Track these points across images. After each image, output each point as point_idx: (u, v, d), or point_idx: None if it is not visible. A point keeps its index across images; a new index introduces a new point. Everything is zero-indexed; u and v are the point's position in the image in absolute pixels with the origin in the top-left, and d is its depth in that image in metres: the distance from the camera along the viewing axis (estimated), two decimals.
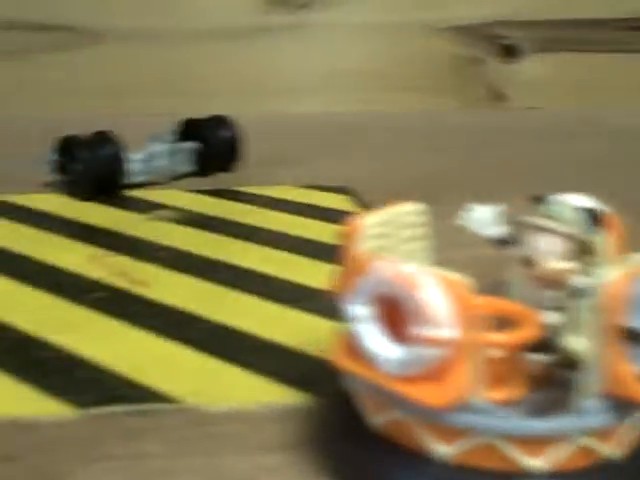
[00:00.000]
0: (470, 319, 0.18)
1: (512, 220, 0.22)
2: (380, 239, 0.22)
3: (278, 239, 0.41)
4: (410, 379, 0.19)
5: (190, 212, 0.46)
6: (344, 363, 0.20)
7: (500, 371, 0.19)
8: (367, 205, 0.46)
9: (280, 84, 0.79)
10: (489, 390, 0.19)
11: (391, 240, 0.23)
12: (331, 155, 0.61)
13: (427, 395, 0.18)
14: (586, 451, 0.19)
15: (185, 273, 0.36)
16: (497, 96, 0.82)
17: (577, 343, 0.19)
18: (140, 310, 0.33)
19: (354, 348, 0.20)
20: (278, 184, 0.51)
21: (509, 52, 0.82)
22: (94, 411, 0.25)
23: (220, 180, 0.53)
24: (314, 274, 0.36)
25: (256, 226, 0.43)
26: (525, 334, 0.19)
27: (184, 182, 0.53)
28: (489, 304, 0.19)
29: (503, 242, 0.22)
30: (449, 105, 0.82)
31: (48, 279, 0.36)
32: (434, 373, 0.18)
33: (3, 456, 0.23)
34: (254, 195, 0.49)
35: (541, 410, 0.20)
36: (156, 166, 0.51)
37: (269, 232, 0.42)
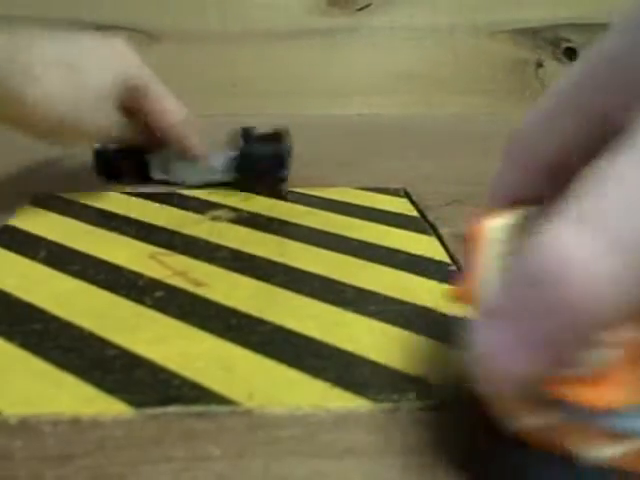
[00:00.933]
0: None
1: None
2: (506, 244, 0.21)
3: (337, 241, 0.40)
4: (575, 380, 0.18)
5: (247, 212, 0.45)
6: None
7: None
8: (425, 209, 0.46)
9: (336, 85, 0.79)
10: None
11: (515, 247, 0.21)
12: (386, 157, 0.61)
13: (593, 397, 0.18)
14: None
15: (244, 274, 0.36)
16: None
17: None
18: (199, 310, 0.33)
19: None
20: (333, 186, 0.51)
21: (570, 55, 0.81)
22: (154, 411, 0.25)
23: None
24: (375, 278, 0.36)
25: (314, 228, 0.43)
26: None
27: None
28: None
29: None
30: (507, 108, 0.80)
31: (108, 277, 0.36)
32: (599, 375, 0.18)
33: (63, 455, 0.23)
34: (311, 196, 0.49)
35: None
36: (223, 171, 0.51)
37: (327, 234, 0.42)
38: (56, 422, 0.25)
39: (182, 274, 0.36)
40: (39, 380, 0.27)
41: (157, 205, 0.47)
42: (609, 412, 0.18)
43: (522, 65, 0.80)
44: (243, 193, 0.50)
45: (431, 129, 0.73)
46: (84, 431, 0.24)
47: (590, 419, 0.18)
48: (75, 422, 0.25)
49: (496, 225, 0.21)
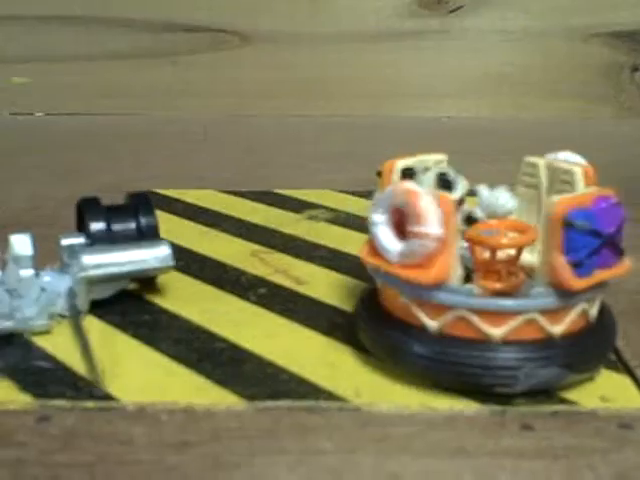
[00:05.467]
0: (451, 221, 0.25)
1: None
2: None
3: None
4: (408, 266, 0.25)
5: (344, 213, 0.46)
6: (368, 259, 0.27)
7: (499, 267, 0.26)
8: None
9: (426, 88, 0.79)
10: (487, 280, 0.26)
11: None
12: (476, 160, 0.60)
13: (418, 276, 0.25)
14: (535, 326, 0.25)
15: (343, 273, 0.37)
16: None
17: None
18: (301, 308, 0.33)
19: (375, 248, 0.27)
20: None
21: None
22: (265, 404, 0.26)
23: (368, 181, 0.53)
24: None
25: None
26: (527, 238, 0.26)
27: (335, 182, 0.53)
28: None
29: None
30: (600, 113, 0.79)
31: (212, 273, 0.37)
32: (425, 261, 0.25)
33: (180, 442, 0.24)
34: None
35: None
36: None
37: None
38: (171, 411, 0.25)
39: (283, 272, 0.37)
40: (152, 369, 0.28)
41: (253, 203, 0.48)
42: (432, 288, 0.25)
43: (617, 69, 0.78)
44: (338, 193, 0.50)
45: (520, 133, 0.72)
46: (198, 420, 0.25)
47: (421, 295, 0.25)
48: (189, 411, 0.25)
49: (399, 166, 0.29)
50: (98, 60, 0.79)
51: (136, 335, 0.31)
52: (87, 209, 0.34)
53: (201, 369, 0.28)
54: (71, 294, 0.32)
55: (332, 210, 0.47)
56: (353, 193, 0.50)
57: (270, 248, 0.40)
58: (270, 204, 0.48)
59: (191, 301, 0.34)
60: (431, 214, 0.24)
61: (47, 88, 0.79)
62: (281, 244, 0.41)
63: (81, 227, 0.34)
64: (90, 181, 0.54)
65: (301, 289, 0.35)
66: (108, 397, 0.26)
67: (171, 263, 0.33)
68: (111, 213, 0.34)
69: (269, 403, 0.26)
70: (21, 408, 0.26)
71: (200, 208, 0.47)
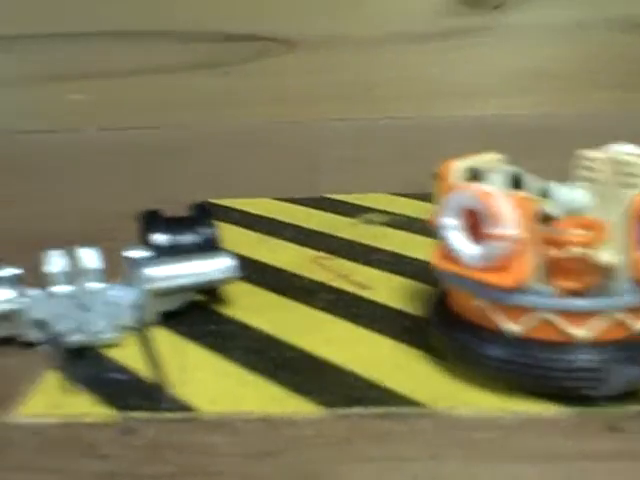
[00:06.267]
0: (529, 222, 0.24)
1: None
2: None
3: None
4: (486, 269, 0.25)
5: (399, 216, 0.46)
6: (440, 263, 0.27)
7: (573, 266, 0.25)
8: None
9: (471, 86, 0.78)
10: (561, 280, 0.25)
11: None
12: (527, 158, 0.60)
13: (497, 279, 0.24)
14: (620, 325, 0.25)
15: (405, 277, 0.37)
16: None
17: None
18: (368, 313, 0.33)
19: (446, 252, 0.26)
20: None
21: None
22: (343, 411, 0.26)
23: (420, 183, 0.53)
24: None
25: None
26: (600, 235, 0.25)
27: (386, 185, 0.53)
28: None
29: None
30: None
31: (275, 280, 0.37)
32: (503, 264, 0.24)
33: (262, 452, 0.24)
34: None
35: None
36: None
37: None
38: (248, 420, 0.25)
39: (345, 277, 0.37)
40: (225, 379, 0.28)
41: (308, 209, 0.48)
42: (513, 291, 0.24)
43: None
44: (391, 196, 0.50)
45: (566, 127, 0.71)
46: (276, 429, 0.25)
47: (501, 298, 0.25)
48: (266, 420, 0.25)
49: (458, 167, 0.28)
50: (149, 74, 0.80)
51: (206, 345, 0.31)
52: (149, 221, 0.35)
53: (276, 378, 0.28)
54: (138, 307, 0.32)
55: (387, 213, 0.46)
56: (407, 195, 0.50)
57: (329, 253, 0.40)
58: (324, 209, 0.48)
59: (257, 310, 0.34)
60: (508, 215, 0.24)
61: (102, 104, 0.80)
62: (340, 249, 0.41)
63: (144, 240, 0.34)
64: (147, 193, 0.54)
65: (365, 294, 0.35)
66: (186, 407, 0.26)
67: (236, 274, 0.33)
68: (173, 225, 0.34)
69: (347, 410, 0.26)
70: (103, 420, 0.26)
71: (256, 216, 0.47)
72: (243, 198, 0.52)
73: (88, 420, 0.26)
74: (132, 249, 0.33)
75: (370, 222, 0.45)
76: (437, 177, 0.29)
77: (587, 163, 0.30)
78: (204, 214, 0.35)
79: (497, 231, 0.24)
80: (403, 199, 0.49)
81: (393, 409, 0.26)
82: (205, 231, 0.34)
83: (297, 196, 0.51)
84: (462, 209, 0.26)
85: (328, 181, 0.56)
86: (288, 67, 0.80)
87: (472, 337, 0.26)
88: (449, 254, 0.26)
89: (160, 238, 0.34)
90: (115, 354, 0.30)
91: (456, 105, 0.78)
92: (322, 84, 0.79)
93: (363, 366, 0.28)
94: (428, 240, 0.41)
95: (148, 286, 0.32)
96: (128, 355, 0.30)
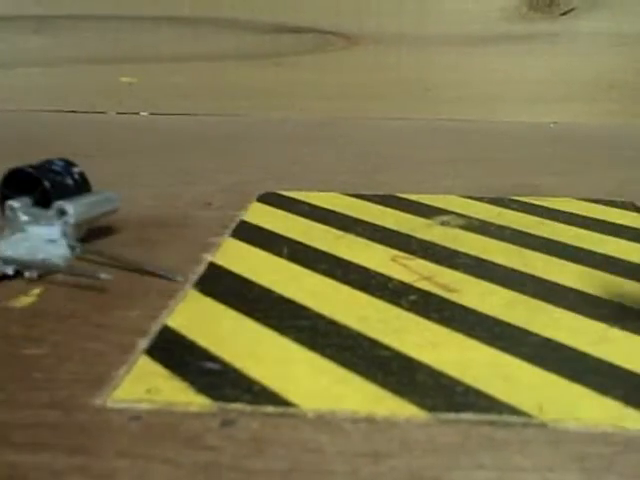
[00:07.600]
0: None
1: None
2: None
3: (579, 254, 0.39)
4: None
5: (476, 220, 0.45)
6: None
7: None
8: None
9: (533, 92, 0.77)
10: None
11: None
12: (595, 168, 0.59)
13: None
14: None
15: (491, 282, 0.36)
16: None
17: None
18: (457, 317, 0.32)
19: None
20: (553, 196, 0.50)
21: None
22: (447, 416, 0.25)
23: (491, 187, 0.52)
24: (630, 294, 0.34)
25: (551, 239, 0.42)
26: None
27: (454, 188, 0.53)
28: None
29: None
30: None
31: (358, 278, 0.36)
32: None
33: (372, 453, 0.23)
34: (536, 206, 0.48)
35: None
36: None
37: (567, 246, 0.41)
38: (354, 420, 0.25)
39: (428, 279, 0.36)
40: (322, 376, 0.28)
41: (380, 207, 0.48)
42: None
43: None
44: (464, 199, 0.49)
45: (630, 140, 0.70)
46: (383, 430, 0.24)
47: None
48: (371, 421, 0.25)
49: None
50: (204, 60, 0.79)
51: (297, 340, 0.30)
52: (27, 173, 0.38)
53: (374, 378, 0.27)
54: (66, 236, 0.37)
55: (463, 216, 0.46)
56: (480, 199, 0.49)
57: (409, 254, 0.40)
58: (397, 208, 0.47)
59: (344, 306, 0.33)
60: None
61: (153, 88, 0.80)
62: (419, 250, 0.40)
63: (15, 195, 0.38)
64: (209, 182, 0.54)
65: (453, 297, 0.34)
66: (287, 403, 0.26)
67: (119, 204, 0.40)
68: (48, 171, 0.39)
69: (452, 415, 0.25)
70: (201, 410, 0.25)
71: (328, 210, 0.47)
72: (308, 191, 0.51)
73: (186, 409, 0.25)
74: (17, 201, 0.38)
75: (446, 224, 0.44)
76: None
77: None
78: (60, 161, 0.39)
79: None
80: (476, 202, 0.49)
81: (498, 417, 0.25)
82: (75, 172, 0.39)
83: (363, 192, 0.51)
84: None
85: (397, 180, 0.56)
86: (347, 62, 0.79)
87: None
88: None
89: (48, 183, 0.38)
90: (204, 342, 0.30)
91: (517, 111, 0.77)
92: (380, 81, 0.78)
93: (461, 370, 0.28)
94: (506, 245, 0.40)
95: (71, 220, 0.37)
96: (217, 343, 0.30)
